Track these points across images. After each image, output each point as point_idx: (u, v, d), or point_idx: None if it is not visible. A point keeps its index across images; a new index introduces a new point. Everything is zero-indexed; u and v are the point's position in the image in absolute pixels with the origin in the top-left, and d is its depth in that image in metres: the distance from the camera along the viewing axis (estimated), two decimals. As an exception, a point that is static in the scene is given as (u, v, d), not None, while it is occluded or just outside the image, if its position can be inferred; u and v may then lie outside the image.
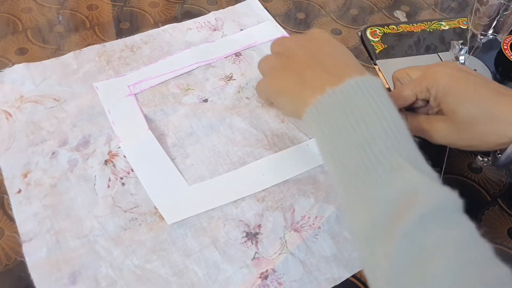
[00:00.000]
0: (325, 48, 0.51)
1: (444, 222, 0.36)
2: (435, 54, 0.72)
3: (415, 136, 0.47)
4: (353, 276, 0.48)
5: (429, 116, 0.53)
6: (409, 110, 0.55)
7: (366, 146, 0.40)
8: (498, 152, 0.51)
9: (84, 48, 0.66)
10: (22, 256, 0.47)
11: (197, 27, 0.72)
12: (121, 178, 0.53)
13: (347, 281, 0.48)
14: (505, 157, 0.49)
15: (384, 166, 0.39)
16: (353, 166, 0.40)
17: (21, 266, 0.46)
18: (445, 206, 0.37)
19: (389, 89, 0.67)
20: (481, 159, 0.60)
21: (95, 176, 0.53)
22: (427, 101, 0.53)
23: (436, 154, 0.60)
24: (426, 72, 0.52)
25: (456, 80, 0.50)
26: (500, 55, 0.70)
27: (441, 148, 0.60)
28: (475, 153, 0.61)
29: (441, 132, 0.51)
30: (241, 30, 0.72)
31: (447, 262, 0.34)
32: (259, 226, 0.51)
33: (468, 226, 0.38)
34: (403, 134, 0.41)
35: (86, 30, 0.70)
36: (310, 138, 0.58)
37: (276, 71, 0.52)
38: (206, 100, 0.62)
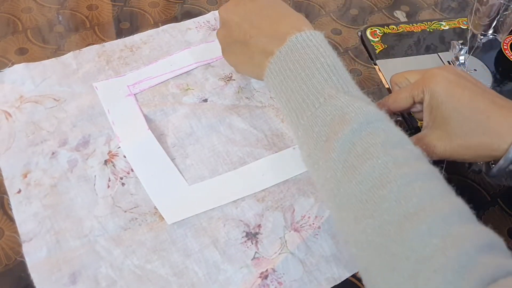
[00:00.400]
0: (260, 11, 0.54)
1: (371, 131, 0.42)
2: (435, 54, 0.72)
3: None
4: (353, 276, 0.49)
5: (423, 132, 0.52)
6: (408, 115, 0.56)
7: (304, 86, 0.46)
8: (492, 162, 0.51)
9: (84, 48, 0.66)
10: (22, 256, 0.47)
11: (196, 27, 0.72)
12: (121, 178, 0.53)
13: (347, 280, 0.48)
14: (497, 169, 0.49)
15: (319, 99, 0.45)
16: (298, 107, 0.46)
17: (21, 266, 0.46)
18: (371, 119, 0.43)
19: (389, 90, 0.67)
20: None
21: (95, 176, 0.53)
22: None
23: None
24: (424, 75, 0.52)
25: (453, 86, 0.50)
26: (500, 55, 0.70)
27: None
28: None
29: (437, 148, 0.51)
30: (241, 30, 0.72)
31: (375, 161, 0.40)
32: (259, 226, 0.51)
33: (394, 130, 0.44)
34: (337, 68, 0.47)
35: (86, 30, 0.70)
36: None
37: (226, 46, 0.58)
38: (206, 100, 0.62)
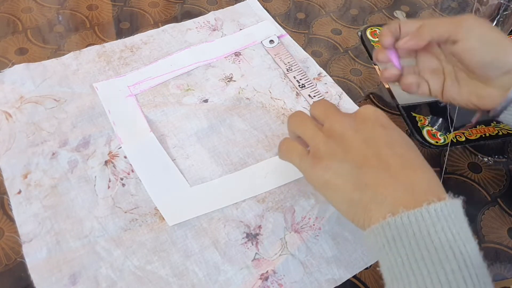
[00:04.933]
0: (384, 138, 0.43)
1: None
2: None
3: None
4: (354, 277, 0.49)
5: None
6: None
7: (426, 271, 0.36)
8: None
9: (84, 49, 0.66)
10: (22, 256, 0.47)
11: (196, 27, 0.71)
12: (121, 179, 0.53)
13: (347, 281, 0.48)
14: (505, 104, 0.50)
15: None
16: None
17: (21, 266, 0.46)
18: None
19: (389, 90, 0.67)
20: (481, 159, 0.60)
21: (95, 176, 0.53)
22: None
23: (436, 155, 0.60)
24: (460, 20, 0.50)
25: (481, 24, 0.50)
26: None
27: (442, 149, 0.60)
28: (475, 153, 0.61)
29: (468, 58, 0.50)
30: (241, 30, 0.72)
31: None
32: (260, 227, 0.51)
33: None
34: (472, 260, 0.36)
35: (86, 30, 0.70)
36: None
37: (327, 159, 0.43)
38: (206, 101, 0.62)
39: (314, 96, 0.62)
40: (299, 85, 0.64)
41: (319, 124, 0.46)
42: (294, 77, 0.65)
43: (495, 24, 0.61)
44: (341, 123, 0.45)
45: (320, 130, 0.45)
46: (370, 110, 0.46)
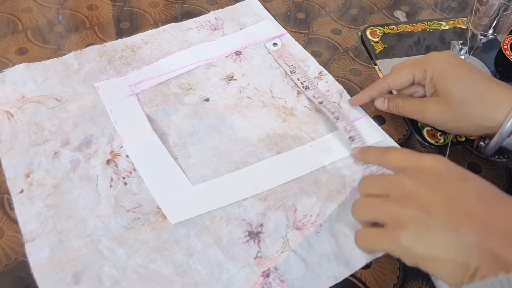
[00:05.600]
0: (462, 189, 0.40)
1: None
2: (435, 54, 0.73)
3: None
4: (354, 276, 0.49)
5: (423, 98, 0.56)
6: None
7: None
8: (482, 143, 0.55)
9: (85, 48, 0.66)
10: (22, 256, 0.47)
11: (197, 27, 0.72)
12: (123, 178, 0.53)
13: (347, 280, 0.48)
14: (494, 144, 0.52)
15: None
16: None
17: (21, 266, 0.46)
18: None
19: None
20: (481, 159, 0.60)
21: (97, 176, 0.53)
22: (421, 87, 0.58)
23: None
24: (425, 56, 0.56)
25: (453, 64, 0.54)
26: (500, 55, 0.71)
27: (442, 149, 0.60)
28: (475, 153, 0.61)
29: (433, 111, 0.54)
30: (241, 29, 0.72)
31: None
32: (261, 225, 0.51)
33: None
34: None
35: (86, 30, 0.70)
36: (313, 139, 0.59)
37: (411, 225, 0.38)
38: (207, 100, 0.62)
39: (318, 97, 0.62)
40: (303, 87, 0.64)
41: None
42: (298, 79, 0.65)
43: (495, 24, 0.61)
44: (410, 185, 0.40)
45: (388, 201, 0.41)
46: (435, 159, 0.42)
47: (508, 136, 0.51)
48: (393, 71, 0.58)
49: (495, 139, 0.51)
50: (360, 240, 0.43)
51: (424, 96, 0.58)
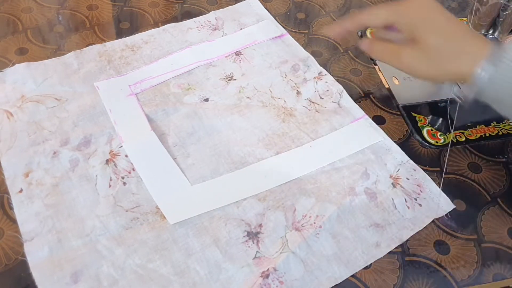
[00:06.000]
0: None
1: None
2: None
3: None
4: (354, 276, 0.49)
5: (400, 44, 0.54)
6: None
7: None
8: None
9: (85, 48, 0.66)
10: (22, 255, 0.47)
11: (197, 27, 0.72)
12: (122, 178, 0.53)
13: (347, 280, 0.48)
14: (468, 94, 0.51)
15: None
16: None
17: (21, 266, 0.46)
18: None
19: (389, 90, 0.67)
20: (481, 159, 0.60)
21: (96, 175, 0.53)
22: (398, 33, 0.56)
23: (436, 155, 0.60)
24: (405, 1, 0.54)
25: (432, 12, 0.53)
26: (500, 55, 0.70)
27: (442, 149, 0.60)
28: (475, 153, 0.61)
29: (410, 58, 0.53)
30: (241, 29, 0.72)
31: None
32: (260, 225, 0.51)
33: None
34: None
35: (86, 30, 0.70)
36: (312, 140, 0.59)
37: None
38: (207, 100, 0.62)
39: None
40: None
41: None
42: None
43: (495, 24, 0.61)
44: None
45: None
46: None
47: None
48: (371, 10, 0.57)
49: (469, 88, 0.51)
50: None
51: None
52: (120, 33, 0.70)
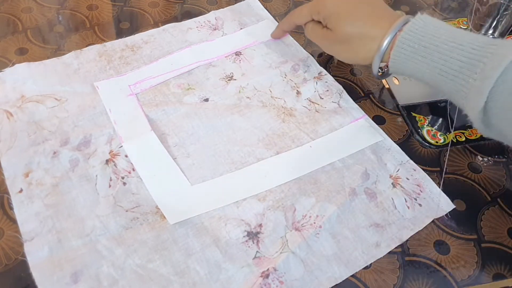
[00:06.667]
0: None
1: None
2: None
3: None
4: (354, 276, 0.49)
5: (321, 30, 0.62)
6: None
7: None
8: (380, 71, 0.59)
9: (85, 48, 0.66)
10: (22, 255, 0.47)
11: (197, 27, 0.72)
12: (122, 178, 0.53)
13: (347, 280, 0.48)
14: (376, 68, 0.58)
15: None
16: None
17: (21, 266, 0.46)
18: None
19: (389, 90, 0.67)
20: (481, 159, 0.60)
21: (96, 175, 0.53)
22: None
23: (436, 155, 0.60)
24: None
25: (340, 4, 0.59)
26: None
27: (442, 149, 0.60)
28: (475, 153, 0.61)
29: (328, 43, 0.62)
30: (241, 29, 0.72)
31: None
32: (260, 225, 0.51)
33: None
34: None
35: (86, 30, 0.70)
36: (312, 140, 0.59)
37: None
38: (207, 100, 0.62)
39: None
40: None
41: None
42: None
43: (495, 24, 0.61)
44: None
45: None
46: None
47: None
48: (298, 9, 0.65)
49: (374, 63, 0.57)
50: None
51: None
52: (120, 33, 0.70)
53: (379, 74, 0.58)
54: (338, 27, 0.58)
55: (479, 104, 0.46)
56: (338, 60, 0.70)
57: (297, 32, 0.73)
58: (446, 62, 0.49)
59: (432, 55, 0.50)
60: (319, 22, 0.62)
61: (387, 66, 0.56)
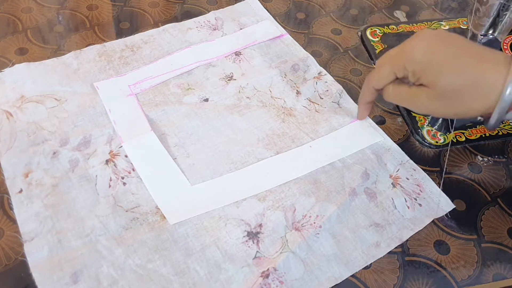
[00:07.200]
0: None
1: None
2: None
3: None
4: (354, 276, 0.49)
5: (412, 87, 0.51)
6: None
7: None
8: (480, 117, 0.53)
9: (85, 48, 0.66)
10: (22, 256, 0.47)
11: (197, 27, 0.72)
12: (122, 178, 0.53)
13: (347, 280, 0.48)
14: (495, 120, 0.48)
15: None
16: None
17: (21, 266, 0.46)
18: None
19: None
20: (481, 159, 0.60)
21: (96, 175, 0.53)
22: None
23: (436, 155, 0.60)
24: (403, 49, 0.51)
25: (433, 52, 0.49)
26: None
27: (442, 149, 0.60)
28: (475, 153, 0.61)
29: (425, 103, 0.50)
30: (241, 29, 0.72)
31: None
32: (260, 225, 0.51)
33: None
34: None
35: (86, 30, 0.70)
36: (312, 139, 0.59)
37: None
38: (206, 100, 0.62)
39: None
40: None
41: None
42: None
43: (495, 24, 0.61)
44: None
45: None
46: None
47: (508, 111, 0.47)
48: (375, 70, 0.55)
49: (495, 115, 0.47)
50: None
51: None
52: (120, 33, 0.70)
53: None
54: (439, 81, 0.48)
55: None
56: (338, 60, 0.70)
57: (297, 32, 0.73)
58: None
59: None
60: (400, 80, 0.53)
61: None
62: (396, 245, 0.51)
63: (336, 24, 0.76)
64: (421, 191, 0.55)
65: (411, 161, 0.58)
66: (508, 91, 0.45)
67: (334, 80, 0.66)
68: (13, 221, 0.49)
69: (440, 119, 0.63)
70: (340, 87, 0.65)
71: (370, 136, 0.60)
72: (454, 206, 0.55)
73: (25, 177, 0.52)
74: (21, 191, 0.51)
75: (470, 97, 0.47)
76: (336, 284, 0.48)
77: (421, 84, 0.50)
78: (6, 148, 0.54)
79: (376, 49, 0.72)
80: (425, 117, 0.63)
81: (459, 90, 0.47)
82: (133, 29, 0.71)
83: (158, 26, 0.71)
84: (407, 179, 0.56)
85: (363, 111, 0.60)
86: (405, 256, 0.51)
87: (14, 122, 0.56)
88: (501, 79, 0.45)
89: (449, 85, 0.47)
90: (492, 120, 0.47)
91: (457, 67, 0.47)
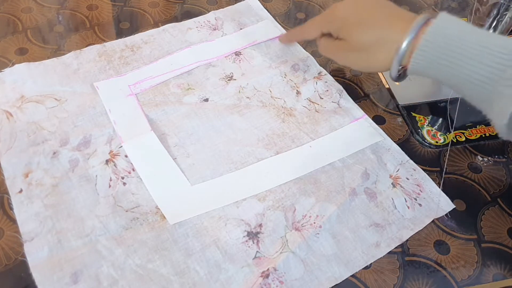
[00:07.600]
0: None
1: None
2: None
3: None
4: (353, 276, 0.49)
5: (334, 42, 0.59)
6: None
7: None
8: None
9: (85, 48, 0.66)
10: (22, 256, 0.47)
11: (197, 27, 0.72)
12: (122, 178, 0.53)
13: (347, 280, 0.48)
14: (395, 70, 0.54)
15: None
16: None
17: (21, 266, 0.46)
18: None
19: (389, 90, 0.67)
20: (481, 159, 0.60)
21: (96, 175, 0.53)
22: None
23: (436, 155, 0.60)
24: (332, 7, 0.59)
25: (352, 10, 0.56)
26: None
27: (442, 149, 0.60)
28: (475, 153, 0.61)
29: (344, 54, 0.58)
30: (241, 29, 0.72)
31: None
32: (260, 225, 0.51)
33: None
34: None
35: (86, 30, 0.70)
36: (312, 140, 0.59)
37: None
38: (206, 100, 0.62)
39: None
40: None
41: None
42: None
43: (495, 24, 0.61)
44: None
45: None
46: None
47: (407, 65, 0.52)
48: (305, 25, 0.63)
49: (394, 65, 0.53)
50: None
51: None
52: (120, 33, 0.70)
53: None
54: (353, 35, 0.55)
55: (509, 110, 0.44)
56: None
57: (297, 32, 0.73)
58: (473, 67, 0.46)
59: (459, 59, 0.47)
60: (331, 36, 0.59)
61: (404, 68, 0.53)
62: (396, 245, 0.51)
63: (336, 24, 0.76)
64: (421, 191, 0.55)
65: (411, 161, 0.58)
66: (404, 44, 0.51)
67: (334, 80, 0.66)
68: (13, 221, 0.49)
69: (440, 119, 0.63)
70: (340, 87, 0.65)
71: (370, 136, 0.60)
72: (454, 206, 0.55)
73: (25, 177, 0.52)
74: (21, 191, 0.51)
75: (378, 51, 0.54)
76: (336, 284, 0.48)
77: (342, 39, 0.57)
78: (6, 148, 0.54)
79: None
80: (425, 117, 0.63)
81: (369, 43, 0.54)
82: (133, 29, 0.71)
83: (158, 26, 0.71)
84: (407, 179, 0.56)
85: (286, 41, 0.70)
86: (405, 256, 0.51)
87: (14, 122, 0.56)
88: (404, 35, 0.51)
89: (361, 39, 0.55)
90: (393, 70, 0.54)
91: (369, 24, 0.55)
